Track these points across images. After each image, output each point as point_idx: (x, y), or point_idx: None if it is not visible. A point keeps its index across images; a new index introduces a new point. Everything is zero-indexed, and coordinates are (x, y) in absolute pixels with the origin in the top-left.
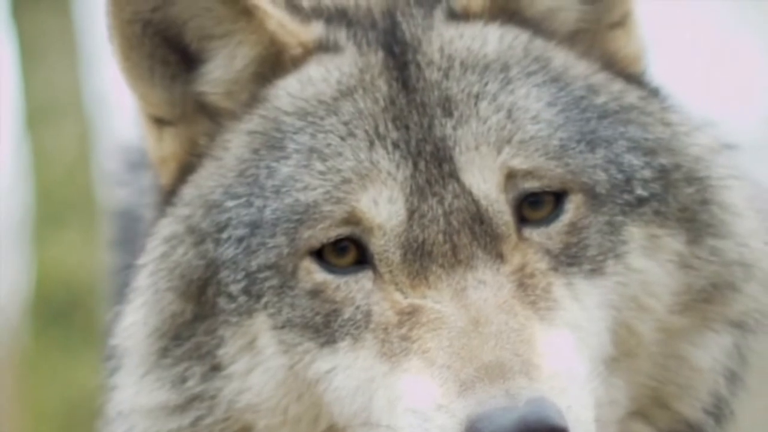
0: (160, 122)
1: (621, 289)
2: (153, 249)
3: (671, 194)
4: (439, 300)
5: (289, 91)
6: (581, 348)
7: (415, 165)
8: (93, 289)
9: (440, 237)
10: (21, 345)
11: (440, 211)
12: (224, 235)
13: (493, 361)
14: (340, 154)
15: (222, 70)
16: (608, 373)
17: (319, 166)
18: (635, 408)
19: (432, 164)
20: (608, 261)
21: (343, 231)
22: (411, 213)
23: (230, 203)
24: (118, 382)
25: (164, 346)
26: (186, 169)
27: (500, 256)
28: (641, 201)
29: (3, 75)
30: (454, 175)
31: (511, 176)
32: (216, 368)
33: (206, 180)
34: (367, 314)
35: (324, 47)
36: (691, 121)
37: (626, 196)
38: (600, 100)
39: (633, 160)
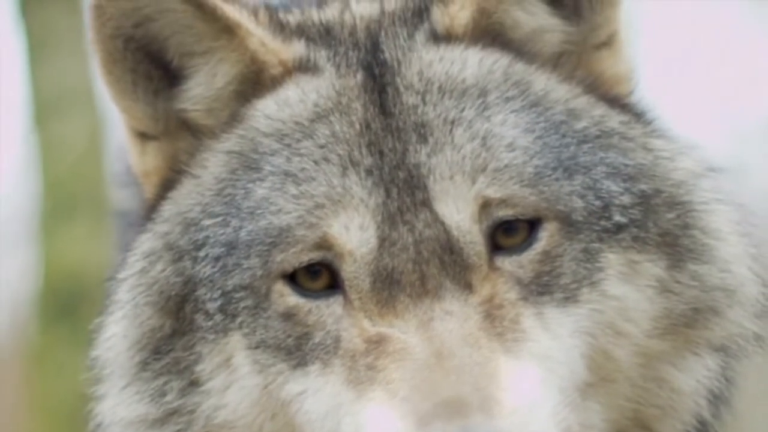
0: (143, 136)
1: (597, 317)
2: (132, 264)
3: (651, 220)
4: (405, 330)
5: (266, 111)
6: (550, 379)
7: (388, 192)
8: (101, 283)
9: (409, 266)
10: (28, 338)
11: (411, 240)
12: (201, 254)
13: (452, 397)
14: (313, 179)
15: (203, 87)
16: (584, 397)
17: (293, 189)
18: (616, 430)
19: (405, 192)
20: (583, 289)
21: (315, 256)
22: (382, 241)
23: (207, 222)
24: (100, 393)
25: (144, 360)
26: (167, 185)
27: (469, 287)
28: (620, 227)
29: (12, 69)
30: (427, 203)
31: (485, 206)
32: (194, 383)
33: (185, 197)
34: (337, 340)
35: (304, 67)
36: (675, 145)
37: (604, 223)
38: (580, 125)
39: (612, 186)
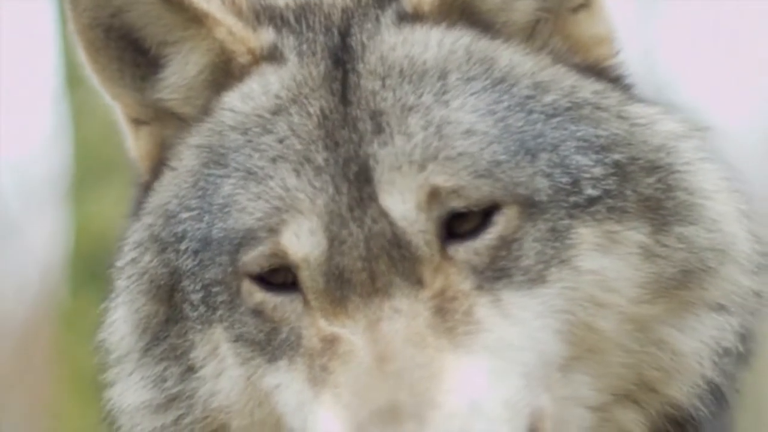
0: (136, 121)
1: (570, 294)
2: (126, 253)
3: (629, 188)
4: (355, 331)
5: (231, 104)
6: (507, 367)
7: (338, 188)
8: None
9: (359, 264)
10: (58, 302)
11: (360, 237)
12: (182, 247)
13: (387, 404)
14: (271, 178)
15: (176, 76)
16: (568, 371)
17: (253, 188)
18: (620, 394)
19: (355, 186)
20: (551, 269)
21: (274, 261)
22: (331, 241)
23: (185, 215)
24: (110, 379)
25: (145, 346)
26: (155, 174)
27: (420, 281)
28: (592, 200)
29: (45, 33)
30: (373, 197)
31: (434, 194)
32: (190, 369)
33: (165, 189)
34: (299, 337)
35: (270, 56)
36: (655, 109)
37: (574, 198)
38: (549, 98)
39: (582, 160)
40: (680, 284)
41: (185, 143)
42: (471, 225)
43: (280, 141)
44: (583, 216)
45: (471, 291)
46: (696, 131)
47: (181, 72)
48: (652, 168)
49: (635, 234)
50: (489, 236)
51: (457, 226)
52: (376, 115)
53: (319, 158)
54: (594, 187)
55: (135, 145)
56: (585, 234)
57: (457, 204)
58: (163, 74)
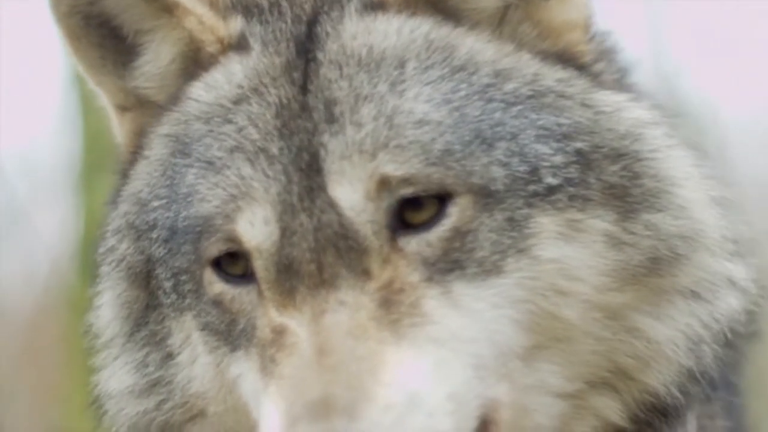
0: (121, 108)
1: (530, 283)
2: (107, 240)
3: (592, 176)
4: (301, 323)
5: (196, 94)
6: (455, 359)
7: (290, 178)
8: None
9: (308, 255)
10: (67, 290)
11: (309, 228)
12: (154, 235)
13: (321, 398)
14: (228, 167)
15: (151, 65)
16: (531, 360)
17: (212, 178)
18: (594, 381)
19: (306, 176)
20: (508, 259)
21: (231, 246)
22: (283, 231)
23: (155, 203)
24: (98, 363)
25: (129, 331)
26: (132, 162)
27: (367, 273)
28: (552, 189)
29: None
30: (323, 187)
31: (384, 183)
32: (169, 356)
33: (138, 177)
34: (254, 327)
35: (237, 45)
36: (623, 96)
37: (533, 187)
38: (509, 86)
39: (542, 148)
40: (650, 271)
41: (155, 132)
42: (425, 216)
43: (239, 131)
44: (543, 205)
45: (420, 283)
46: (666, 118)
47: (155, 60)
48: (617, 156)
49: (600, 222)
50: (442, 228)
51: (412, 217)
52: (330, 105)
53: (275, 148)
54: (554, 175)
55: (120, 131)
56: (545, 223)
57: (406, 191)
58: (139, 62)
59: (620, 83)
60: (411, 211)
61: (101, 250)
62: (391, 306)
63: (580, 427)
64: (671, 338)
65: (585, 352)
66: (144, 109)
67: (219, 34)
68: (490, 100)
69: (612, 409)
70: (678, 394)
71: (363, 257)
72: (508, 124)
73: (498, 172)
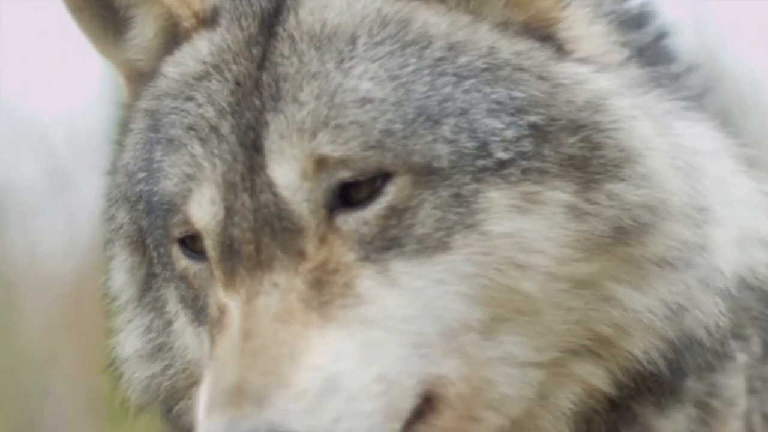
0: (128, 78)
1: (481, 258)
2: (108, 209)
3: (548, 148)
4: (237, 305)
5: (167, 69)
6: (390, 339)
7: (236, 157)
8: None
9: (247, 236)
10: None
11: (250, 208)
12: (140, 207)
13: (235, 384)
14: (185, 146)
15: (139, 38)
16: (494, 334)
17: (172, 155)
18: (572, 349)
19: (249, 156)
20: (455, 235)
21: (189, 229)
22: (228, 211)
23: (139, 176)
24: (116, 326)
25: (137, 296)
26: (125, 131)
27: (302, 254)
28: (503, 163)
29: None
30: (263, 166)
31: (322, 163)
32: (169, 323)
33: (127, 149)
34: (207, 305)
35: (208, 20)
36: (586, 67)
37: (481, 162)
38: (463, 59)
39: (493, 123)
40: (616, 241)
41: (137, 105)
42: (364, 195)
43: (198, 108)
44: (493, 179)
45: (354, 263)
46: (633, 88)
47: (142, 34)
48: (576, 128)
49: (559, 194)
50: (378, 206)
51: (352, 194)
52: (279, 81)
53: (226, 126)
54: (505, 150)
55: (128, 100)
56: (495, 197)
57: (344, 174)
58: (130, 35)
59: (648, 50)
60: (352, 189)
61: (105, 217)
62: (324, 287)
63: (563, 394)
64: (648, 306)
65: (555, 323)
66: (139, 81)
67: (195, 9)
68: (441, 75)
69: (596, 375)
70: (662, 363)
71: (298, 238)
72: (458, 99)
73: (443, 149)
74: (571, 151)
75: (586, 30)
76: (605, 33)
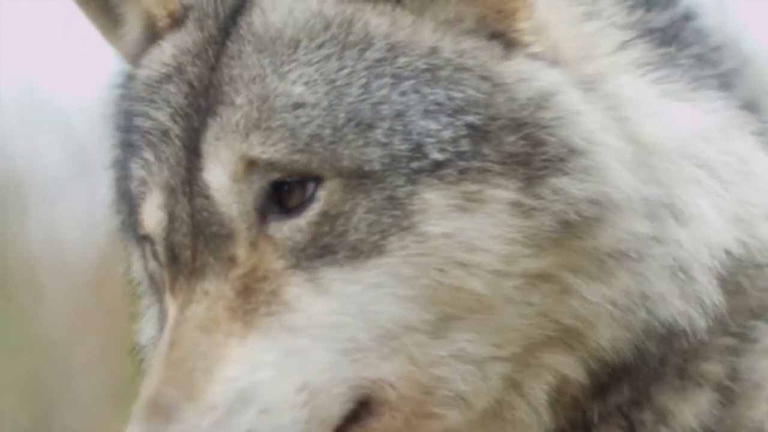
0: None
1: (419, 260)
2: (113, 202)
3: (488, 148)
4: (173, 312)
5: (139, 71)
6: (316, 347)
7: (179, 161)
8: None
9: (186, 241)
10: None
11: (188, 212)
12: (126, 203)
13: (151, 397)
14: (142, 149)
15: (129, 35)
16: (445, 332)
17: (134, 159)
18: (539, 342)
19: (190, 159)
20: (390, 238)
21: (144, 232)
22: (170, 216)
23: (120, 174)
24: (139, 311)
25: (149, 283)
26: None
27: (232, 260)
28: (439, 164)
29: None
30: (201, 169)
31: (252, 166)
32: None
33: (113, 148)
34: (164, 309)
35: (178, 21)
36: (532, 65)
37: (416, 164)
38: (402, 60)
39: (429, 124)
40: (566, 235)
41: (120, 104)
42: (297, 201)
43: (156, 111)
44: (430, 180)
45: (284, 270)
46: (583, 83)
47: (131, 32)
48: (517, 126)
49: (501, 191)
50: (311, 213)
51: (286, 200)
52: (223, 84)
53: (177, 129)
54: (441, 150)
55: None
56: (432, 198)
57: (272, 177)
58: (123, 31)
59: (663, 31)
60: (285, 197)
61: (113, 209)
62: (251, 295)
63: (537, 384)
64: (609, 298)
65: (513, 318)
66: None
67: (170, 9)
68: (379, 76)
69: (568, 365)
70: (633, 352)
71: (229, 243)
72: (394, 101)
73: (375, 152)
74: (513, 149)
75: (554, 17)
76: (582, 18)
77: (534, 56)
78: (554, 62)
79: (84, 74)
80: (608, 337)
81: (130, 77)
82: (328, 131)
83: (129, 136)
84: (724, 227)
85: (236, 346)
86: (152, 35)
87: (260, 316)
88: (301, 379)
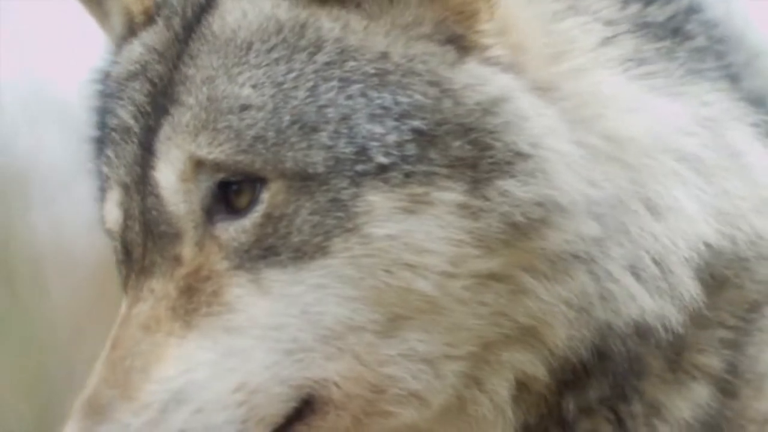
0: None
1: (364, 261)
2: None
3: (434, 152)
4: (123, 310)
5: (112, 68)
6: (256, 347)
7: (136, 160)
8: None
9: (138, 239)
10: None
11: (140, 210)
12: None
13: (89, 395)
14: (107, 147)
15: (114, 31)
16: (394, 331)
17: (101, 156)
18: (495, 340)
19: (144, 158)
20: (334, 239)
21: (106, 227)
22: (126, 214)
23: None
24: None
25: None
26: None
27: (178, 259)
28: (384, 167)
29: None
30: (153, 168)
31: (199, 165)
32: None
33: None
34: None
35: (152, 17)
36: (484, 70)
37: (361, 167)
38: (351, 64)
39: (375, 128)
40: (516, 236)
41: (95, 101)
42: (244, 202)
43: (121, 109)
44: (375, 183)
45: (227, 271)
46: (540, 87)
47: (116, 27)
48: (464, 131)
49: (448, 194)
50: (256, 214)
51: (234, 202)
52: (179, 84)
53: (136, 127)
54: (386, 154)
55: None
56: (377, 201)
57: (218, 177)
58: (109, 26)
59: (658, 26)
60: (235, 196)
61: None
62: (194, 295)
63: (498, 381)
64: (564, 298)
65: (466, 317)
66: None
67: (145, 5)
68: (326, 80)
69: (529, 363)
70: (596, 350)
71: (176, 242)
72: (340, 104)
73: (319, 155)
74: (460, 153)
75: (524, 14)
76: (562, 14)
77: (488, 61)
78: (510, 66)
79: (89, 68)
80: (564, 336)
81: (105, 74)
82: (271, 133)
83: (100, 133)
84: (704, 220)
85: (175, 345)
86: (130, 31)
87: (201, 316)
88: (238, 379)
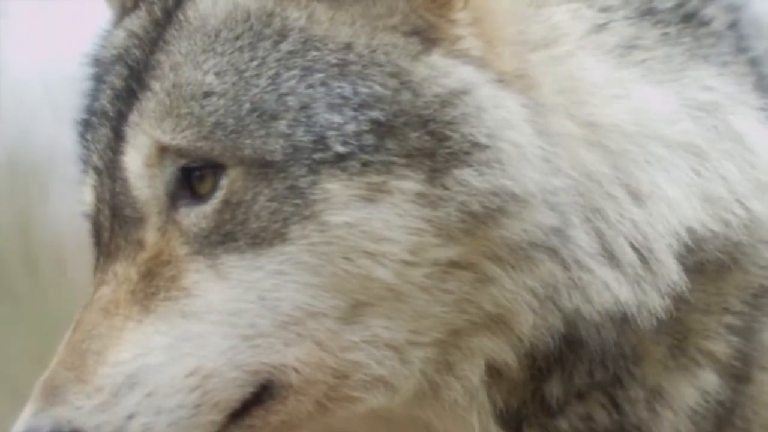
0: None
1: (322, 248)
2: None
3: (392, 142)
4: (90, 293)
5: (100, 52)
6: (212, 332)
7: (108, 144)
8: None
9: (106, 223)
10: None
11: (110, 194)
12: None
13: (46, 378)
14: (88, 131)
15: (113, 16)
16: (356, 318)
17: (83, 139)
18: (462, 327)
19: (115, 143)
20: (292, 226)
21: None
22: (97, 197)
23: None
24: None
25: None
26: None
27: (141, 243)
28: (342, 156)
29: None
30: (121, 152)
31: (163, 151)
32: None
33: None
34: None
35: (138, 3)
36: (449, 62)
37: (319, 155)
38: (313, 54)
39: (334, 117)
40: (474, 225)
41: (85, 85)
42: (206, 188)
43: (101, 92)
44: (332, 171)
45: (186, 256)
46: (499, 81)
47: (114, 11)
48: (422, 122)
49: (407, 182)
50: (215, 200)
51: (197, 188)
52: (149, 69)
53: (111, 112)
54: (344, 144)
55: None
56: (335, 189)
57: (180, 163)
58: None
59: (665, 12)
60: (198, 182)
61: None
62: (153, 279)
63: (469, 367)
64: (529, 287)
65: (429, 305)
66: None
67: None
68: (289, 68)
69: (497, 349)
70: (563, 339)
71: (140, 226)
72: (301, 93)
73: (277, 143)
74: (418, 144)
75: (503, 2)
76: (536, 3)
77: (454, 53)
78: (477, 57)
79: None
80: (530, 324)
81: (95, 59)
82: (231, 120)
83: (86, 116)
84: (689, 205)
85: (132, 329)
86: (120, 16)
87: (159, 300)
88: (192, 363)
